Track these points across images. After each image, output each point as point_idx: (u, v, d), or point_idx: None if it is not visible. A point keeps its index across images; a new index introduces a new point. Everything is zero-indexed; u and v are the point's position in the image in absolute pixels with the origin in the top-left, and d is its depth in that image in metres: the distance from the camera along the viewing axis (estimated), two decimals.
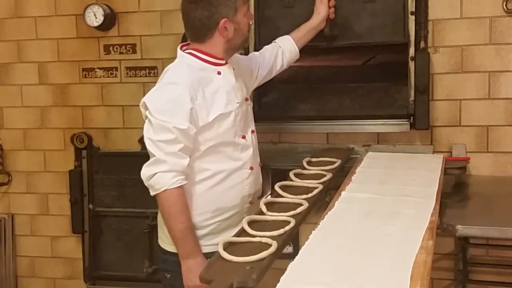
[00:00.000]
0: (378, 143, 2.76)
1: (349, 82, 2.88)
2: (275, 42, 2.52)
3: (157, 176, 1.95)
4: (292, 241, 2.99)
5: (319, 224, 1.72)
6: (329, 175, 2.24)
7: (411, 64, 2.60)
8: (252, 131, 2.23)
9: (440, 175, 2.19)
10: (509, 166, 2.58)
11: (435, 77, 2.62)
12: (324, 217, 1.78)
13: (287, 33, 2.74)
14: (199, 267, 1.81)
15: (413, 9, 2.56)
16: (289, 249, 3.00)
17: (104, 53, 3.06)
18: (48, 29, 3.10)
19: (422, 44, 2.58)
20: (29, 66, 3.14)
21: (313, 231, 1.65)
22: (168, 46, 2.90)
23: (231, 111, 2.07)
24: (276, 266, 1.52)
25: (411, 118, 2.61)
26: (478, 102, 2.59)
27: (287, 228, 1.74)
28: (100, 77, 3.07)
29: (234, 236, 1.73)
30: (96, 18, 2.94)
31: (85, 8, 2.96)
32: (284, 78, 3.23)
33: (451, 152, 2.62)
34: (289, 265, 1.43)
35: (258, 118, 2.80)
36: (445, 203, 2.08)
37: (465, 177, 2.54)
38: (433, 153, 2.64)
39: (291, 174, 2.26)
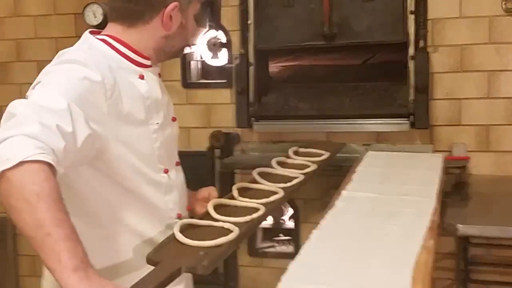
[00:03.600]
0: (378, 142, 2.76)
1: (349, 81, 2.88)
2: None
3: (8, 141, 1.12)
4: (293, 241, 3.01)
5: (319, 223, 1.71)
6: (313, 167, 1.99)
7: (411, 63, 2.60)
8: (177, 163, 1.60)
9: (441, 174, 2.19)
10: (509, 165, 2.58)
11: (434, 76, 2.62)
12: (324, 216, 1.77)
13: (286, 32, 2.75)
14: (99, 280, 1.11)
15: (413, 8, 2.56)
16: (289, 248, 3.03)
17: None
18: (47, 28, 3.10)
19: (421, 43, 2.58)
20: (28, 65, 3.13)
21: (313, 231, 1.65)
22: None
23: (151, 133, 1.47)
24: (277, 266, 1.52)
25: (411, 117, 2.61)
26: (478, 101, 2.59)
27: (254, 215, 1.52)
28: None
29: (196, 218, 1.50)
30: (95, 17, 2.93)
31: (85, 7, 2.94)
32: (284, 77, 3.24)
33: (451, 151, 2.62)
34: (289, 265, 1.43)
35: (258, 117, 2.83)
36: (446, 203, 2.08)
37: (466, 176, 2.54)
38: (433, 153, 2.64)
39: (273, 162, 1.97)
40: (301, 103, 2.84)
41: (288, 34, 2.76)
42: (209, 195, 1.63)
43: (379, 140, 2.75)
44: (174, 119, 1.60)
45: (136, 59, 1.46)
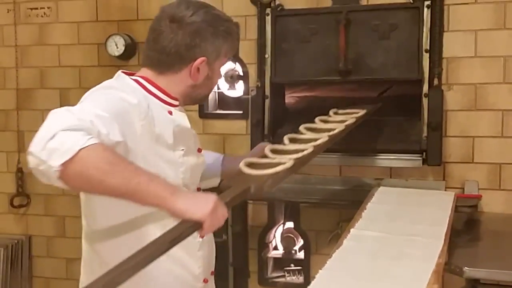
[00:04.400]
0: (390, 177, 2.77)
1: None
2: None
3: (58, 136, 1.28)
4: (303, 271, 3.02)
5: (327, 262, 1.74)
6: (352, 120, 2.28)
7: (425, 101, 2.63)
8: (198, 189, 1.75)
9: (450, 213, 2.20)
10: None
11: (448, 113, 2.64)
12: (332, 255, 1.80)
13: (302, 67, 2.81)
14: (193, 193, 1.46)
15: (428, 47, 2.60)
16: (299, 278, 3.04)
17: None
18: (70, 57, 3.20)
19: (435, 81, 2.61)
20: (51, 92, 3.23)
21: (320, 271, 1.67)
22: None
23: (177, 158, 1.61)
24: None
25: (424, 153, 2.63)
26: (491, 140, 2.60)
27: (304, 152, 1.81)
28: None
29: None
30: (117, 48, 3.03)
31: (107, 38, 3.04)
32: (298, 108, 3.28)
33: (463, 188, 2.62)
34: None
35: None
36: (455, 242, 2.08)
37: (477, 214, 2.54)
38: (445, 189, 2.65)
39: (316, 120, 2.26)
40: None
41: (304, 69, 2.81)
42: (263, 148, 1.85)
43: (392, 175, 2.77)
44: (199, 151, 1.76)
45: (165, 99, 1.62)
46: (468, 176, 2.64)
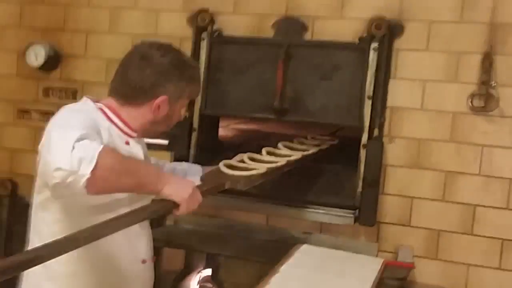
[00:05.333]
0: (320, 232, 2.50)
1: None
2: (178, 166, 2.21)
3: (77, 147, 1.42)
4: None
5: None
6: (324, 146, 2.49)
7: (363, 152, 2.37)
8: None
9: (372, 286, 1.92)
10: (458, 278, 2.30)
11: (388, 169, 2.38)
12: None
13: (236, 100, 2.54)
14: (176, 178, 1.64)
15: (371, 93, 2.35)
16: None
17: (43, 95, 2.84)
18: None
19: (376, 132, 2.35)
20: None
21: None
22: None
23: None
24: None
25: (357, 211, 2.36)
26: (432, 203, 2.34)
27: (278, 164, 2.09)
28: (36, 120, 2.84)
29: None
30: (36, 59, 2.73)
31: (28, 47, 2.75)
32: (235, 143, 3.01)
33: (397, 253, 2.36)
34: None
35: None
36: None
37: (409, 284, 2.27)
38: (377, 253, 2.38)
39: (294, 140, 2.44)
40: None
41: (237, 102, 2.54)
42: None
43: (322, 230, 2.49)
44: None
45: (125, 129, 1.75)
46: (403, 240, 2.37)
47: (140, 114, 1.74)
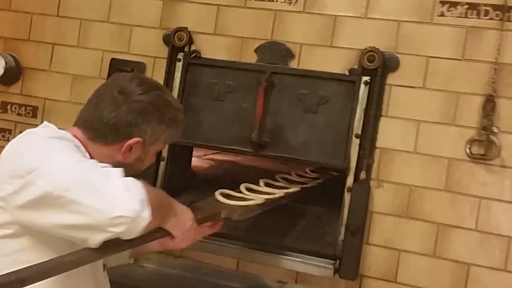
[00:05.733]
0: (296, 282, 2.23)
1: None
2: None
3: (131, 187, 1.27)
4: None
5: None
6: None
7: (347, 196, 2.12)
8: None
9: None
10: None
11: (374, 216, 2.14)
12: None
13: (212, 130, 2.30)
14: (175, 210, 1.49)
15: (359, 131, 2.11)
16: None
17: (1, 111, 2.58)
18: None
19: (363, 175, 2.11)
20: None
21: None
22: (73, 116, 2.40)
23: None
24: None
25: (338, 261, 2.11)
26: (421, 258, 2.09)
27: (276, 195, 2.05)
28: None
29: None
30: None
31: None
32: (209, 175, 2.76)
33: None
34: None
35: None
36: None
37: None
38: None
39: (292, 173, 2.39)
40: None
41: (212, 132, 2.29)
42: None
43: (298, 280, 2.23)
44: None
45: None
46: None
47: (108, 154, 1.52)
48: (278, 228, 2.28)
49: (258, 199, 1.93)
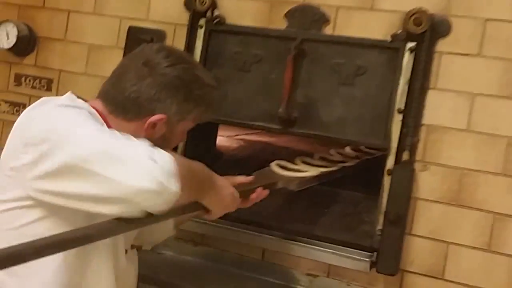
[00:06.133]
0: (328, 276, 1.99)
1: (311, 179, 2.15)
2: None
3: (158, 157, 1.17)
4: None
5: None
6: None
7: (387, 180, 1.86)
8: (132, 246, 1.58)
9: None
10: None
11: (418, 203, 1.86)
12: None
13: (237, 104, 2.07)
14: (221, 180, 1.46)
15: (403, 106, 1.83)
16: None
17: (15, 83, 2.41)
18: None
19: (405, 156, 1.84)
20: None
21: None
22: (90, 89, 2.20)
23: None
24: None
25: (375, 254, 1.85)
26: (474, 253, 1.80)
27: (332, 168, 2.02)
28: (4, 112, 2.42)
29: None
30: (8, 38, 2.31)
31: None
32: (237, 156, 2.54)
33: None
34: None
35: None
36: None
37: None
38: None
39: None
40: None
41: (237, 106, 2.06)
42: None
43: (330, 273, 1.98)
44: None
45: None
46: None
47: (131, 130, 1.36)
48: (309, 215, 2.04)
49: (314, 171, 1.92)
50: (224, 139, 2.61)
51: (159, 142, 1.37)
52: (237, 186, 1.56)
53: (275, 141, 2.72)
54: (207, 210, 1.43)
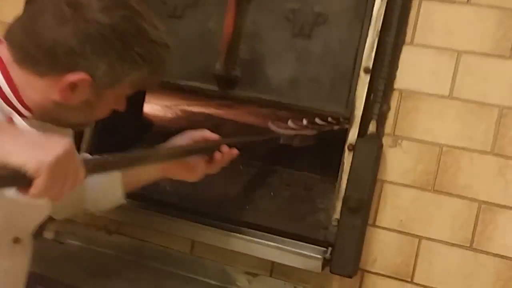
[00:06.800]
0: (270, 275, 1.60)
1: (257, 157, 1.76)
2: None
3: None
4: None
5: None
6: None
7: (347, 157, 1.47)
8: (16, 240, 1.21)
9: None
10: None
11: (385, 187, 1.49)
12: None
13: None
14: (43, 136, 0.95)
15: (370, 65, 1.45)
16: None
17: None
18: None
19: (372, 127, 1.46)
20: None
21: None
22: None
23: None
24: None
25: (329, 250, 1.47)
26: (452, 250, 1.44)
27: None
28: None
29: None
30: None
31: None
32: (170, 126, 2.12)
33: None
34: None
35: None
36: None
37: None
38: None
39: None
40: (171, 183, 1.69)
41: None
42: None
43: (274, 273, 1.59)
44: None
45: (11, 99, 1.10)
46: None
47: (42, 88, 1.09)
48: (250, 200, 1.64)
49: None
50: (159, 108, 2.19)
51: (81, 108, 1.12)
52: (199, 143, 1.34)
53: (221, 114, 2.31)
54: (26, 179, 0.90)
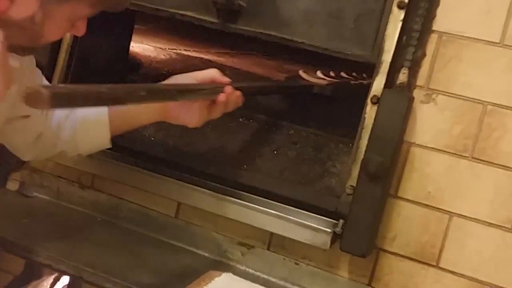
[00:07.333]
0: (268, 249, 1.36)
1: (268, 112, 1.49)
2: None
3: None
4: None
5: None
6: None
7: (370, 112, 1.21)
8: None
9: None
10: None
11: (413, 151, 1.23)
12: None
13: None
14: None
15: None
16: None
17: None
18: None
19: (402, 77, 1.19)
20: None
21: None
22: None
23: None
24: None
25: (341, 222, 1.22)
26: (489, 232, 1.19)
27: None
28: None
29: None
30: None
31: None
32: (160, 68, 1.85)
33: None
34: None
35: None
36: None
37: None
38: None
39: None
40: (152, 129, 1.44)
41: None
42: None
43: (272, 245, 1.35)
44: None
45: None
46: None
47: None
48: (250, 158, 1.39)
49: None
50: (151, 49, 1.92)
51: (25, 25, 0.94)
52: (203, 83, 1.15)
53: (221, 61, 2.04)
54: None
